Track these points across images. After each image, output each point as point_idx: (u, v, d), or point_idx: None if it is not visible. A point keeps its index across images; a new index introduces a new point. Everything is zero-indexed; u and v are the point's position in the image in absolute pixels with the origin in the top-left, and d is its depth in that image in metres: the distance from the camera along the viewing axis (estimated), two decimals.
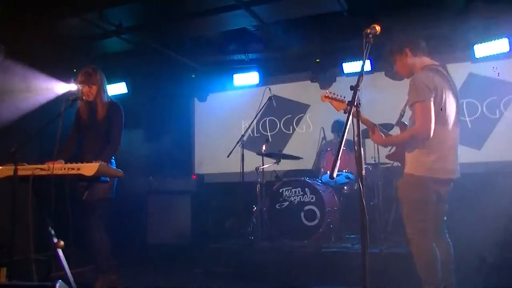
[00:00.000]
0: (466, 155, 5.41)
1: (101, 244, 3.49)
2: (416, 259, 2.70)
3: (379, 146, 4.65)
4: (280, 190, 4.81)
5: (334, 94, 3.03)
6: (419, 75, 2.68)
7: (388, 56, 2.95)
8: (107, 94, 3.69)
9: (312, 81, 6.30)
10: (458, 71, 5.60)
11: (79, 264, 3.59)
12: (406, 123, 2.94)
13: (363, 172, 2.12)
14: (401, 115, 3.01)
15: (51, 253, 2.94)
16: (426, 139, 2.60)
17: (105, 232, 3.54)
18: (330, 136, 5.65)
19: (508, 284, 3.77)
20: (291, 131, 6.61)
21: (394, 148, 3.03)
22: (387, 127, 4.77)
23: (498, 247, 4.32)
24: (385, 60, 3.04)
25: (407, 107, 2.79)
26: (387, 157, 3.11)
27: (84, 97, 3.52)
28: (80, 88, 3.56)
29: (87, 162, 2.94)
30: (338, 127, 5.52)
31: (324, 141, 5.63)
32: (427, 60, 2.82)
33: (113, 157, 3.58)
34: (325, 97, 3.03)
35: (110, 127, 3.60)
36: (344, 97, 2.99)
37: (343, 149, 2.08)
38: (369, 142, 4.90)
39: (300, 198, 4.70)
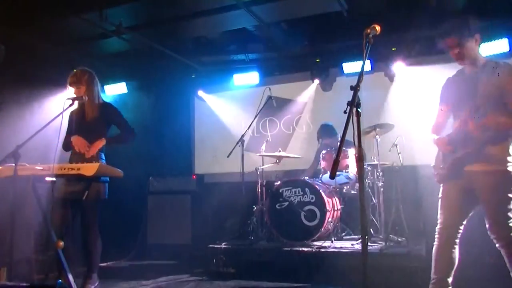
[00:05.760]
0: None
1: (96, 245, 3.51)
2: None
3: (379, 147, 4.66)
4: (280, 190, 4.81)
5: None
6: None
7: (459, 34, 2.66)
8: (99, 96, 3.70)
9: (312, 81, 6.29)
10: None
11: (79, 264, 3.60)
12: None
13: (363, 172, 2.11)
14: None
15: (51, 253, 2.94)
16: None
17: (99, 233, 3.55)
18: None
19: (508, 285, 3.76)
20: (291, 131, 6.61)
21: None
22: (387, 127, 4.80)
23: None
24: (444, 34, 2.69)
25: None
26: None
27: (84, 97, 3.53)
28: (70, 89, 3.59)
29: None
30: (327, 131, 5.54)
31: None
32: None
33: (103, 158, 3.59)
34: None
35: (116, 124, 3.73)
36: None
37: (343, 149, 2.08)
38: (368, 142, 4.91)
39: (300, 198, 4.70)
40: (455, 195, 2.79)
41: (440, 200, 2.87)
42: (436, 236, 2.84)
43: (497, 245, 2.70)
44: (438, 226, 2.84)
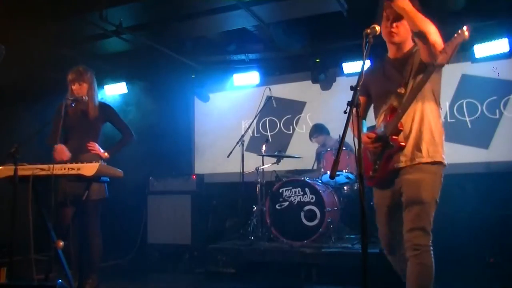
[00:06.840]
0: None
1: (97, 245, 3.51)
2: (421, 278, 2.31)
3: None
4: (280, 190, 4.81)
5: None
6: None
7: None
8: (98, 95, 3.70)
9: (312, 81, 6.29)
10: (458, 71, 5.59)
11: (79, 264, 3.60)
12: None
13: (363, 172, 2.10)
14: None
15: (51, 253, 2.94)
16: (441, 59, 2.28)
17: (100, 232, 3.55)
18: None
19: (508, 284, 3.77)
20: (291, 131, 6.61)
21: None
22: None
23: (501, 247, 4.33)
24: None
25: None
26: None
27: (84, 97, 3.52)
28: (71, 86, 3.57)
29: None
30: (316, 129, 5.56)
31: None
32: None
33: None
34: None
35: (115, 125, 3.77)
36: None
37: (343, 149, 2.07)
38: None
39: (300, 198, 4.70)
40: (390, 202, 2.52)
41: (376, 209, 2.56)
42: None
43: (407, 255, 2.34)
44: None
